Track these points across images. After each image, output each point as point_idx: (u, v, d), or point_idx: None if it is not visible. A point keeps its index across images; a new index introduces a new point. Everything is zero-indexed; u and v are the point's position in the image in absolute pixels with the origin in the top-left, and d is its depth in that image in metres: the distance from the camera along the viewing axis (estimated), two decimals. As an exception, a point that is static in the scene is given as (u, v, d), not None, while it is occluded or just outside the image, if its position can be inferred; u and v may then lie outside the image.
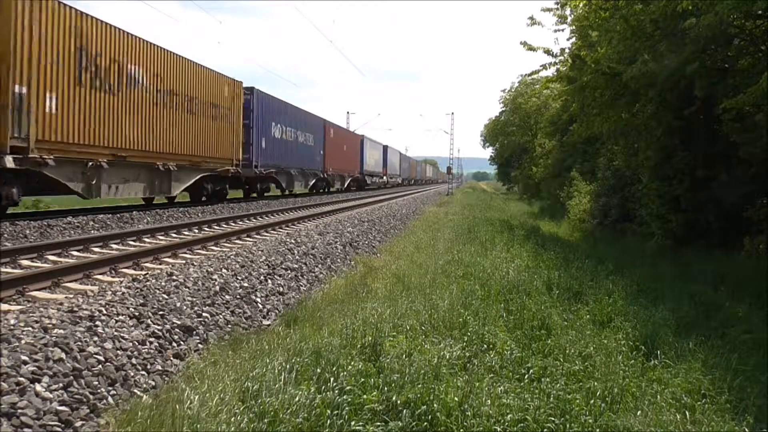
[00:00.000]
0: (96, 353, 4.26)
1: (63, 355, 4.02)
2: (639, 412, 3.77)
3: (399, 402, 3.70)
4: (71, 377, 3.90)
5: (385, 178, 52.81)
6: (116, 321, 4.91)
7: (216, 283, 6.78)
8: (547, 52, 12.87)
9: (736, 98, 8.21)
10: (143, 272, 7.19)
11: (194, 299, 6.08)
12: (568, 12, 12.72)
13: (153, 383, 4.43)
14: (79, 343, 4.27)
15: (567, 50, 12.96)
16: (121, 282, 6.24)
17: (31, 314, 4.67)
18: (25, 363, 3.78)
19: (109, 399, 3.97)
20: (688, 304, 6.95)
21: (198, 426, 3.41)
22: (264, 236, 11.56)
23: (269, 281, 7.75)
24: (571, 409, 3.76)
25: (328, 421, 3.47)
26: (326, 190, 35.44)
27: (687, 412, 3.81)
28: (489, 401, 3.76)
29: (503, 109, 46.30)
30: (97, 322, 4.71)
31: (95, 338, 4.46)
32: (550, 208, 26.54)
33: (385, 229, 15.69)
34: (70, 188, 12.81)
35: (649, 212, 12.68)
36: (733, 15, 8.86)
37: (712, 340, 5.44)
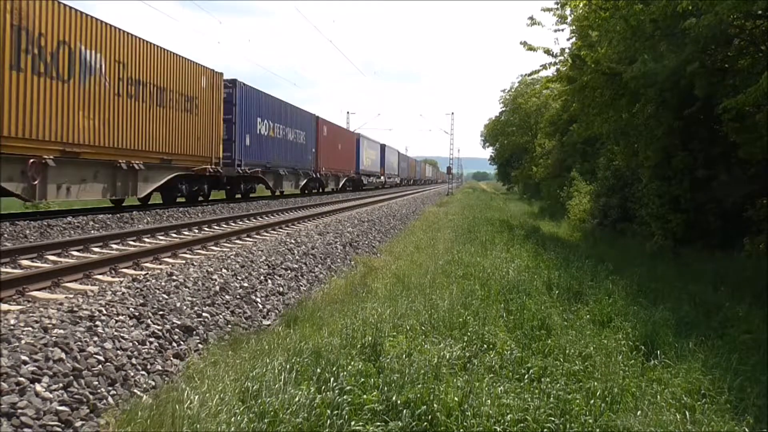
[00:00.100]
0: (96, 353, 4.26)
1: (63, 355, 4.02)
2: (639, 412, 3.77)
3: (399, 402, 3.70)
4: (71, 377, 3.90)
5: (382, 178, 51.50)
6: (116, 321, 4.91)
7: (216, 283, 6.78)
8: (547, 52, 12.87)
9: (736, 98, 8.20)
10: (143, 272, 7.19)
11: (194, 299, 6.08)
12: (568, 12, 12.72)
13: (153, 383, 4.43)
14: (79, 343, 4.27)
15: (567, 50, 12.95)
16: (121, 282, 6.24)
17: (31, 314, 4.67)
18: (25, 363, 3.78)
19: (109, 399, 3.97)
20: (688, 304, 6.95)
21: (198, 426, 3.41)
22: (264, 236, 11.56)
23: (269, 281, 7.75)
24: (571, 409, 3.76)
25: (328, 421, 3.47)
26: (320, 190, 33.92)
27: (687, 412, 3.81)
28: (489, 401, 3.76)
29: (503, 109, 46.30)
30: (97, 322, 4.71)
31: (95, 338, 4.46)
32: (550, 208, 26.52)
33: (385, 229, 15.69)
34: (6, 189, 11.04)
35: (649, 212, 12.67)
36: (733, 15, 8.85)
37: (712, 340, 5.44)
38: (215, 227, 12.82)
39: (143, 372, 4.50)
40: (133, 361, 4.52)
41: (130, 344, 4.68)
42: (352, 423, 3.51)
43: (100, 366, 4.18)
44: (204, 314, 5.87)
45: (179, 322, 5.44)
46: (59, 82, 12.04)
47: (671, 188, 11.73)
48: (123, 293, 5.63)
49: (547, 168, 29.44)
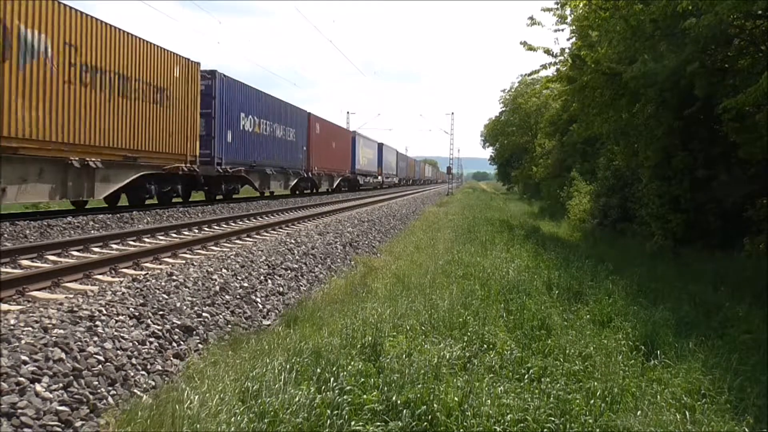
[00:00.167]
0: (96, 353, 4.26)
1: (63, 355, 4.02)
2: (639, 412, 3.77)
3: (399, 402, 3.70)
4: (71, 377, 3.90)
5: (380, 178, 50.08)
6: (116, 321, 4.91)
7: (216, 283, 6.78)
8: (547, 52, 12.87)
9: (736, 98, 8.20)
10: (143, 272, 7.19)
11: (194, 299, 6.08)
12: (568, 12, 12.72)
13: (153, 383, 4.43)
14: (79, 343, 4.27)
15: (567, 50, 12.96)
16: (121, 282, 6.24)
17: (31, 314, 4.67)
18: (25, 363, 3.78)
19: (109, 399, 3.97)
20: (688, 304, 6.95)
21: (198, 426, 3.42)
22: (264, 236, 11.56)
23: (269, 281, 7.75)
24: (571, 409, 3.76)
25: (328, 421, 3.47)
26: (313, 191, 32.40)
27: (687, 412, 3.81)
28: (489, 401, 3.76)
29: (503, 109, 46.33)
30: (97, 322, 4.71)
31: (95, 338, 4.46)
32: (550, 208, 26.52)
33: (385, 229, 15.69)
34: None
35: (649, 212, 12.67)
36: (733, 15, 8.85)
37: (712, 340, 5.44)
38: (215, 227, 12.82)
39: (143, 372, 4.50)
40: (133, 361, 4.52)
41: (130, 344, 4.68)
42: (352, 423, 3.51)
43: (100, 366, 4.18)
44: (204, 314, 5.87)
45: (179, 322, 5.44)
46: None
47: (671, 188, 11.73)
48: (123, 293, 5.63)
49: (547, 168, 29.44)
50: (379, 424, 3.53)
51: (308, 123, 30.03)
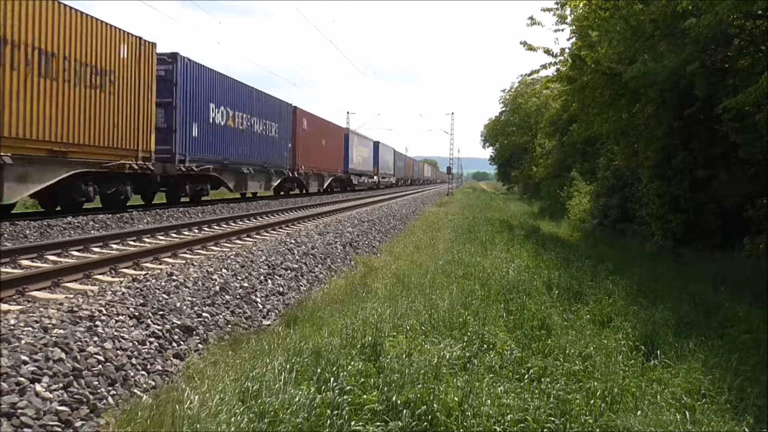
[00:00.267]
0: (96, 353, 4.27)
1: (63, 355, 4.02)
2: (639, 412, 3.77)
3: (399, 402, 3.70)
4: (71, 377, 3.90)
5: (375, 178, 47.74)
6: (116, 321, 4.91)
7: (216, 283, 6.79)
8: (547, 52, 12.87)
9: (736, 98, 8.20)
10: (143, 272, 7.19)
11: (194, 299, 6.08)
12: (568, 12, 12.72)
13: (153, 383, 4.43)
14: (79, 343, 4.27)
15: (567, 50, 12.96)
16: (121, 282, 6.24)
17: (31, 314, 4.67)
18: (25, 363, 3.78)
19: (109, 399, 3.97)
20: (688, 304, 6.95)
21: (198, 426, 3.42)
22: (264, 236, 11.56)
23: (269, 281, 7.75)
24: (571, 409, 3.76)
25: (328, 421, 3.47)
26: (302, 191, 30.10)
27: (687, 412, 3.81)
28: (489, 401, 3.76)
29: (503, 109, 46.33)
30: (97, 322, 4.71)
31: (95, 338, 4.46)
32: (550, 208, 26.52)
33: (385, 229, 15.69)
34: None
35: (649, 212, 12.68)
36: (733, 15, 8.85)
37: (712, 340, 5.44)
38: (215, 227, 12.83)
39: (143, 372, 4.50)
40: (133, 361, 4.52)
41: (130, 344, 4.68)
42: (352, 423, 3.51)
43: (100, 366, 4.18)
44: (204, 314, 5.87)
45: (179, 322, 5.44)
46: None
47: (671, 188, 11.73)
48: (123, 293, 5.63)
49: (547, 168, 29.45)
50: (379, 424, 3.53)
51: (294, 117, 27.44)
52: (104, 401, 3.92)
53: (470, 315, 5.77)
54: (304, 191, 30.45)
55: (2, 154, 10.53)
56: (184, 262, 8.11)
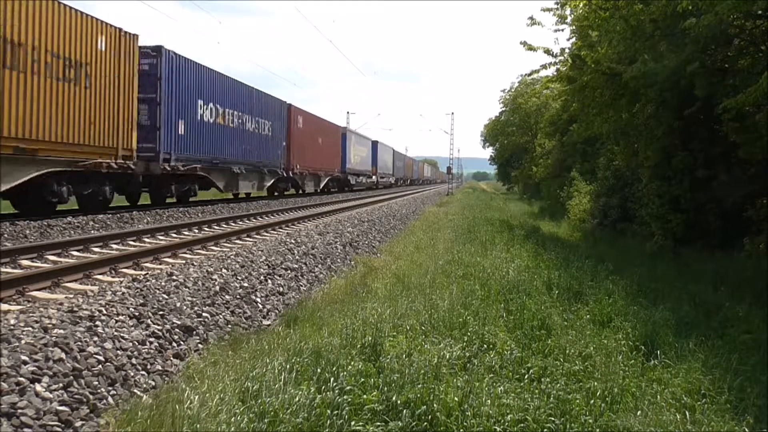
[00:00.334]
0: (96, 353, 4.27)
1: (63, 355, 4.02)
2: (639, 412, 3.77)
3: (399, 402, 3.70)
4: (71, 377, 3.90)
5: (374, 177, 46.96)
6: (116, 321, 4.91)
7: (216, 283, 6.79)
8: (547, 52, 12.87)
9: (736, 98, 8.20)
10: (143, 272, 7.19)
11: (194, 299, 6.08)
12: (568, 12, 12.72)
13: (153, 383, 4.43)
14: (79, 343, 4.27)
15: (567, 50, 12.96)
16: (121, 282, 6.24)
17: (31, 314, 4.67)
18: (25, 363, 3.78)
19: (109, 399, 3.97)
20: (688, 304, 6.95)
21: (198, 426, 3.42)
22: (264, 236, 11.56)
23: (269, 281, 7.75)
24: (571, 409, 3.76)
25: (328, 421, 3.47)
26: (297, 192, 29.41)
27: (687, 412, 3.81)
28: (489, 401, 3.76)
29: (503, 109, 46.33)
30: (97, 322, 4.71)
31: (95, 338, 4.46)
32: (550, 208, 26.52)
33: (385, 229, 15.69)
34: None
35: (649, 212, 12.68)
36: (733, 15, 8.85)
37: (712, 340, 5.43)
38: (215, 227, 12.83)
39: (143, 372, 4.50)
40: (133, 361, 4.52)
41: (130, 344, 4.68)
42: (352, 423, 3.51)
43: (100, 366, 4.18)
44: (204, 314, 5.87)
45: (179, 322, 5.44)
46: None
47: (671, 188, 11.73)
48: (123, 293, 5.63)
49: (547, 168, 29.46)
50: (379, 424, 3.53)
51: (289, 115, 26.55)
52: (104, 401, 3.92)
53: (470, 315, 5.77)
54: (299, 191, 29.81)
55: None
56: (184, 262, 8.11)
